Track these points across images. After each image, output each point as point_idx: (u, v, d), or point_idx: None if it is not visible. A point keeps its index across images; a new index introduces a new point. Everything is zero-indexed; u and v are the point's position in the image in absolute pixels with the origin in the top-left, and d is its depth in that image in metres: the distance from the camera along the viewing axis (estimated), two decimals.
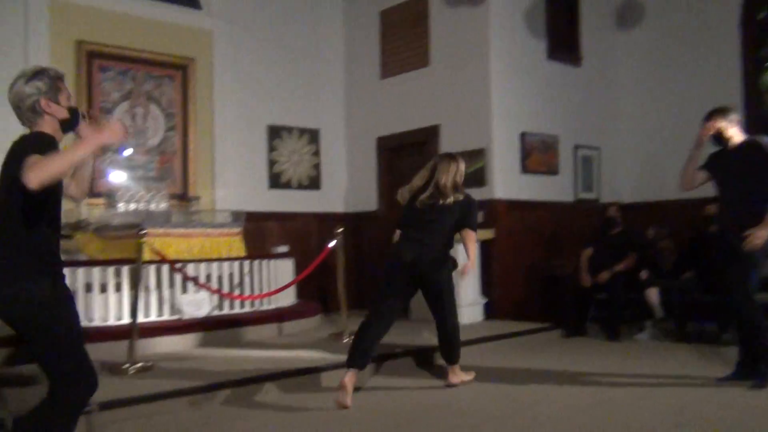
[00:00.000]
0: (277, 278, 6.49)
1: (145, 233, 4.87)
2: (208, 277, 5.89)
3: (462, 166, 4.68)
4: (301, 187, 8.19)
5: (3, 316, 2.44)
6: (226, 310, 6.00)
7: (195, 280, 5.66)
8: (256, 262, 6.31)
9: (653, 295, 6.36)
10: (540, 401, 4.07)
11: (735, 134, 4.39)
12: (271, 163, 7.97)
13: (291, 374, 4.49)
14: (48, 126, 2.62)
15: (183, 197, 7.28)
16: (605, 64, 8.24)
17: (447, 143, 7.36)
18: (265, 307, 6.35)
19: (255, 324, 5.97)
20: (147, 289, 5.57)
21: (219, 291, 5.78)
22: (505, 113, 7.21)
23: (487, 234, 6.89)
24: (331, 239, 6.16)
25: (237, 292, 6.16)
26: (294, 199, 8.12)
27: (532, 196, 7.38)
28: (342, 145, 8.62)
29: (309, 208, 8.23)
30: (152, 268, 5.60)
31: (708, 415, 3.70)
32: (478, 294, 6.91)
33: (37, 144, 2.45)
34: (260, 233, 7.69)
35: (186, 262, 5.75)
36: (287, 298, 6.71)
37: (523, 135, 7.20)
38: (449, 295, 4.54)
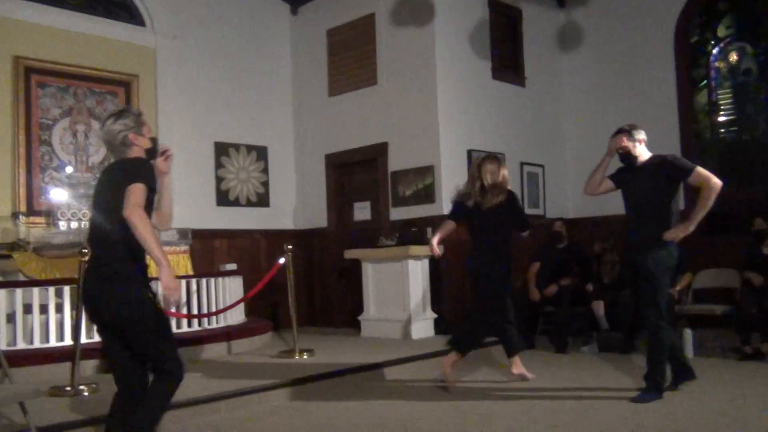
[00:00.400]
0: (226, 296, 6.38)
1: (87, 252, 4.53)
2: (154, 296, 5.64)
3: (503, 167, 4.82)
4: (249, 204, 8.06)
5: (114, 315, 2.87)
6: (173, 330, 5.57)
7: None
8: (203, 281, 6.16)
9: (599, 307, 6.41)
10: (492, 415, 4.04)
11: (642, 152, 4.43)
12: (219, 179, 7.83)
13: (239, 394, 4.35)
14: (136, 155, 3.08)
15: None
16: (549, 85, 8.34)
17: (395, 160, 7.33)
18: (214, 325, 6.19)
19: (204, 343, 5.82)
20: None
21: (165, 310, 5.37)
22: (452, 131, 7.20)
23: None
24: (281, 256, 6.07)
25: (184, 310, 5.98)
26: (242, 217, 7.98)
27: None
28: (291, 162, 8.49)
29: (258, 225, 8.10)
30: None
31: (652, 424, 3.73)
32: (429, 309, 6.85)
33: (141, 167, 2.94)
34: (208, 251, 7.59)
35: None
36: (237, 316, 6.57)
37: (470, 152, 7.17)
38: (495, 296, 4.71)
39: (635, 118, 6.94)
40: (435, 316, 6.94)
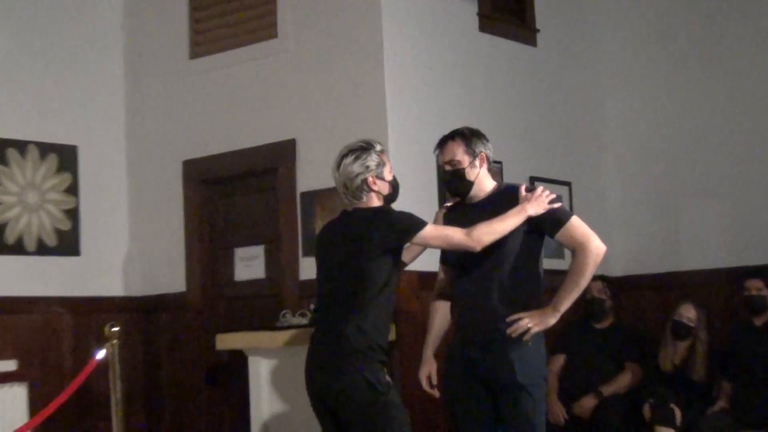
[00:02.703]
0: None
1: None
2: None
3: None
4: (42, 250, 7.72)
5: (345, 404, 4.33)
6: None
7: None
8: None
9: None
10: None
11: (481, 178, 4.84)
12: None
13: None
14: (374, 202, 4.39)
15: None
16: (578, 44, 8.27)
17: (309, 171, 7.09)
18: None
19: None
20: None
21: None
22: (410, 120, 6.92)
23: None
24: (99, 347, 6.12)
25: None
26: (29, 274, 7.65)
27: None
28: (120, 175, 8.20)
29: (58, 289, 7.74)
30: None
31: None
32: None
33: (406, 217, 4.43)
34: None
35: None
36: None
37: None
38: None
39: (729, 109, 7.54)
40: None
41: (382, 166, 4.39)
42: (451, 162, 4.74)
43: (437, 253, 5.04)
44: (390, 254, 4.37)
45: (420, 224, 4.36)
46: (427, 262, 5.37)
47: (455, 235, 4.45)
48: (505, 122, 7.60)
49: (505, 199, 4.74)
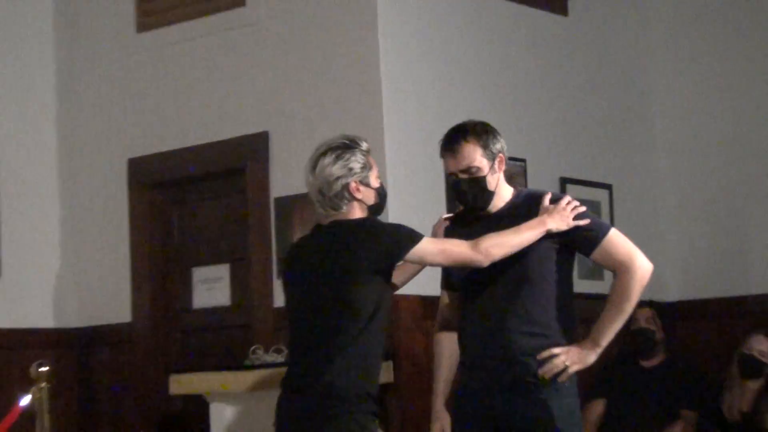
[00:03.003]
0: None
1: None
2: None
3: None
4: None
5: None
6: None
7: None
8: None
9: None
10: None
11: (500, 185, 4.72)
12: None
13: None
14: (357, 213, 4.10)
15: None
16: (620, 12, 8.07)
17: (285, 171, 6.89)
18: None
19: None
20: None
21: None
22: (412, 107, 6.76)
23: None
24: (24, 390, 5.97)
25: None
26: None
27: None
28: (49, 178, 7.92)
29: None
30: None
31: None
32: None
33: (397, 229, 4.17)
34: None
35: None
36: None
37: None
38: None
39: None
40: None
41: (368, 170, 4.05)
42: (468, 170, 4.43)
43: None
44: (380, 276, 4.08)
45: (415, 237, 4.08)
46: (433, 285, 5.09)
47: (458, 248, 4.23)
48: (529, 110, 7.39)
49: (526, 209, 4.54)
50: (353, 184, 4.00)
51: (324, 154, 4.04)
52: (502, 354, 4.45)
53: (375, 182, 4.12)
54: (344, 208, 4.04)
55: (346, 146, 4.06)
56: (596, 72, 7.89)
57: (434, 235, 4.72)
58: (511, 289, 4.49)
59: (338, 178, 3.99)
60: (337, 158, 4.01)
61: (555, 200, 4.55)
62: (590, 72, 7.85)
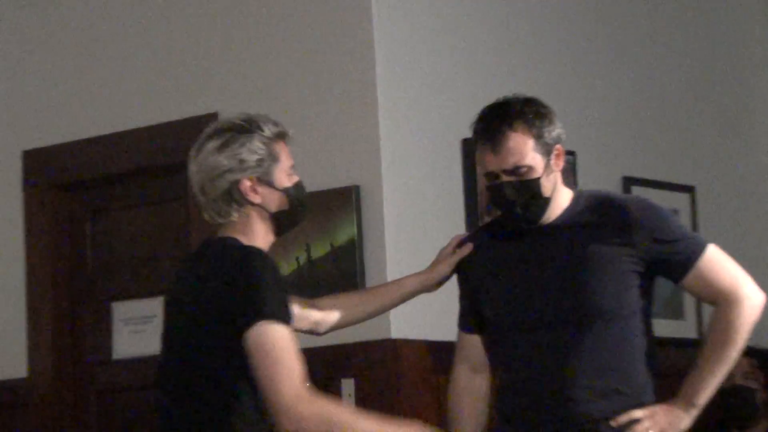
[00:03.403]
0: None
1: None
2: None
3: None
4: None
5: None
6: None
7: None
8: None
9: None
10: None
11: (559, 188, 4.35)
12: None
13: None
14: (251, 226, 3.37)
15: None
16: None
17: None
18: None
19: None
20: None
21: None
22: (415, 85, 6.36)
23: None
24: None
25: None
26: None
27: None
28: None
29: None
30: None
31: None
32: None
33: (256, 283, 3.21)
34: None
35: None
36: None
37: (465, 142, 6.44)
38: None
39: None
40: None
41: (273, 162, 3.39)
42: (516, 170, 3.90)
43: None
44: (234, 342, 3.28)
45: (272, 316, 3.29)
46: (446, 326, 4.75)
47: (285, 380, 3.31)
48: (580, 88, 6.91)
49: (591, 218, 4.07)
50: (246, 183, 3.32)
51: (210, 137, 3.40)
52: (562, 420, 3.99)
53: (284, 180, 3.42)
54: (233, 215, 3.36)
55: (240, 129, 3.38)
56: (673, 36, 7.30)
57: (448, 264, 4.19)
58: (575, 329, 4.04)
59: (224, 172, 3.34)
60: (224, 145, 3.36)
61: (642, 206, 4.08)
62: (665, 36, 7.30)
